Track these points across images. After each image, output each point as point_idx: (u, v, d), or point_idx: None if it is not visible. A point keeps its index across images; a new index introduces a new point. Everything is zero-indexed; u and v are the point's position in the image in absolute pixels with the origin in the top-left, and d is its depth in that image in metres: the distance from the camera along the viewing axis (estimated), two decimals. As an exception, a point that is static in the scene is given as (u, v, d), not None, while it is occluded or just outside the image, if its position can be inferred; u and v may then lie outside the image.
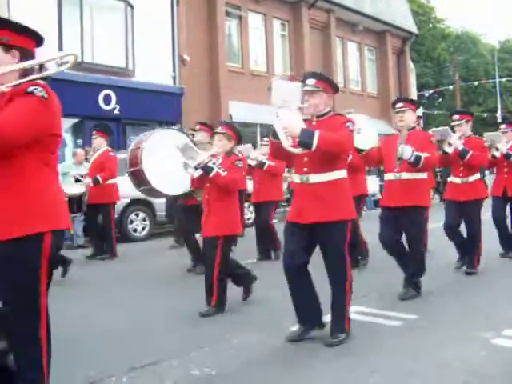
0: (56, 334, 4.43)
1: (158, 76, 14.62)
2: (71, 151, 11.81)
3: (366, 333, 4.12)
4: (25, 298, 2.48)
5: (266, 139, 7.86)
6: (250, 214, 11.45)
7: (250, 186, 8.53)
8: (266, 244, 7.73)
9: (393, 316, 4.49)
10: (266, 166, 7.54)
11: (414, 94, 27.35)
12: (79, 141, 12.70)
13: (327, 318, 4.03)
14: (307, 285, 3.95)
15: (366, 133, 4.87)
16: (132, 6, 14.31)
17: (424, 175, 5.10)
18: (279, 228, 7.49)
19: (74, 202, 7.81)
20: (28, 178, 2.47)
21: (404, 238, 5.20)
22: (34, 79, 2.56)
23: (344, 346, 3.82)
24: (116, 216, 10.24)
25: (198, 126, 6.93)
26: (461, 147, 5.84)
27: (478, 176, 6.14)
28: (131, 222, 10.41)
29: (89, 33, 13.40)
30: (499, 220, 6.93)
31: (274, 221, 8.04)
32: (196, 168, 4.77)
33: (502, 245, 6.98)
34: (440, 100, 41.27)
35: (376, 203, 14.59)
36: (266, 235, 7.70)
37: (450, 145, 5.79)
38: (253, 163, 7.67)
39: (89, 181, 8.01)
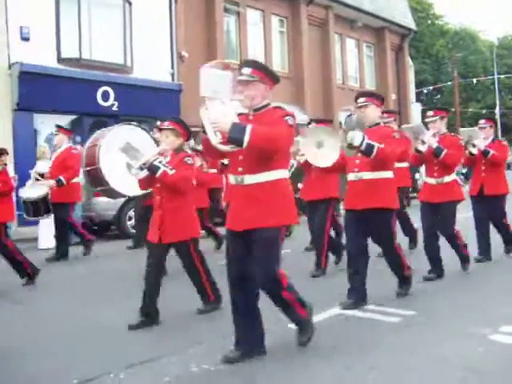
0: (54, 331, 4.45)
1: (157, 73, 14.59)
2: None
3: (365, 329, 4.13)
4: None
5: None
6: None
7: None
8: None
9: (391, 312, 4.50)
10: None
11: (412, 91, 27.37)
12: (77, 138, 12.67)
13: (317, 317, 4.03)
14: (249, 301, 3.58)
15: (328, 149, 4.64)
16: (130, 3, 14.28)
17: (388, 174, 4.74)
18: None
19: (42, 205, 7.57)
20: None
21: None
22: None
23: (342, 342, 3.83)
24: (114, 213, 10.28)
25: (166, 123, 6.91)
26: (435, 145, 5.53)
27: (453, 176, 5.79)
28: (129, 218, 10.41)
29: (87, 29, 13.36)
30: (480, 221, 6.62)
31: None
32: (142, 168, 4.45)
33: (479, 248, 6.61)
34: (438, 97, 41.28)
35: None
36: None
37: (423, 142, 5.52)
38: (226, 162, 7.39)
39: (51, 182, 7.72)
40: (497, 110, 35.09)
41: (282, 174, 3.53)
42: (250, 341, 3.58)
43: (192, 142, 7.71)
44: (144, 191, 5.02)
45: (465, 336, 3.86)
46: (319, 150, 4.74)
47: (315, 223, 6.37)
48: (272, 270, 3.46)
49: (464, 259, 5.96)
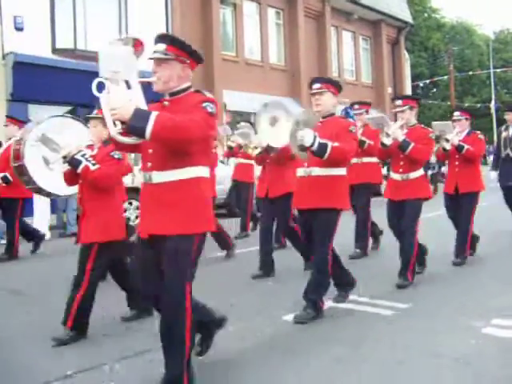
0: (49, 322, 4.44)
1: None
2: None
3: (358, 321, 4.15)
4: None
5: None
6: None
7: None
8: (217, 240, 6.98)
9: (383, 305, 4.52)
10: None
11: (408, 85, 27.34)
12: (72, 129, 12.63)
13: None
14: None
15: (281, 127, 4.26)
16: (126, -7, 14.20)
17: (340, 171, 4.32)
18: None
19: None
20: None
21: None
22: None
23: (334, 334, 3.85)
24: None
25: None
26: (401, 138, 5.06)
27: (421, 172, 5.31)
28: (124, 210, 10.38)
29: (82, 19, 13.26)
30: (454, 220, 6.23)
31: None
32: (64, 162, 4.03)
33: (456, 248, 6.12)
34: (434, 90, 41.27)
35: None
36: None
37: (388, 135, 5.08)
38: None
39: None
40: (492, 104, 35.12)
41: (199, 172, 2.97)
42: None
43: None
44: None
45: (457, 329, 3.89)
46: (272, 127, 4.35)
47: (277, 221, 6.11)
48: (175, 293, 2.88)
49: (407, 265, 5.17)
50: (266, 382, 3.14)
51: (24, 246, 7.60)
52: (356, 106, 7.35)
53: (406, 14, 25.85)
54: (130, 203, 10.54)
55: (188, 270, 2.93)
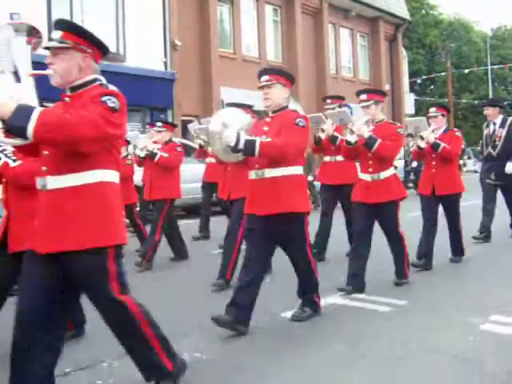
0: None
1: (150, 61, 14.50)
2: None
3: (356, 318, 4.16)
4: None
5: (159, 124, 6.85)
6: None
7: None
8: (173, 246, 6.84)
9: (382, 301, 4.53)
10: (157, 158, 6.37)
11: (406, 81, 27.37)
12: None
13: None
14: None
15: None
16: (123, -10, 14.16)
17: (295, 170, 3.89)
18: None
19: None
20: None
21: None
22: None
23: (333, 330, 3.85)
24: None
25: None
26: (367, 135, 4.71)
27: (392, 171, 4.96)
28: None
29: (79, 17, 13.20)
30: (429, 221, 5.80)
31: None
32: None
33: (419, 252, 5.79)
34: (432, 87, 41.27)
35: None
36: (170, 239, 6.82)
37: (352, 132, 4.75)
38: (142, 154, 6.54)
39: None
40: (504, 104, 35.11)
41: (104, 176, 2.60)
42: None
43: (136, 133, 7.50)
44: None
45: (455, 325, 3.89)
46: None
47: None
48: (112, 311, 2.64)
49: (402, 267, 5.08)
50: (264, 378, 3.14)
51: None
52: (328, 101, 6.68)
53: (403, 11, 25.87)
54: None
55: (108, 287, 2.60)
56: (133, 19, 14.14)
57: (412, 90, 32.76)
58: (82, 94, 2.66)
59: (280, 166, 3.80)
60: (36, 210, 2.71)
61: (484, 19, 75.84)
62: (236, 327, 3.76)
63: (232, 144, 3.64)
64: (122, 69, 13.74)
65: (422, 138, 5.51)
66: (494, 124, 7.38)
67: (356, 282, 4.80)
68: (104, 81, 2.75)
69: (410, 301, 4.54)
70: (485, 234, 7.22)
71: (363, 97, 4.97)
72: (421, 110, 36.44)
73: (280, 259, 4.70)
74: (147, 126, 9.78)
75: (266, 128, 3.94)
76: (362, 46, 24.36)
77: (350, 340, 3.65)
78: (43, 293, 2.57)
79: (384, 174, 4.87)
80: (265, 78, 3.95)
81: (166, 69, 15.30)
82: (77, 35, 2.68)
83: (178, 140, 7.33)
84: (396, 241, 5.05)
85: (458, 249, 6.06)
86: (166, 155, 6.39)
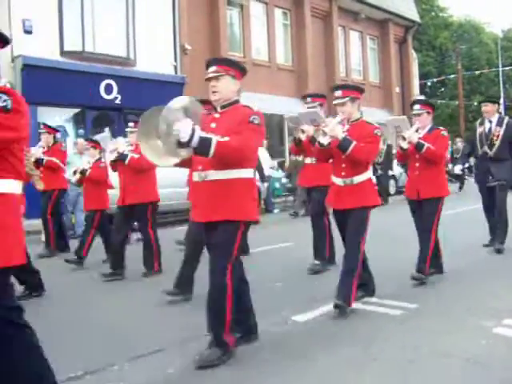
0: (58, 323, 4.47)
1: (160, 65, 14.58)
2: (72, 141, 11.83)
3: (368, 321, 4.14)
4: None
5: (131, 125, 6.45)
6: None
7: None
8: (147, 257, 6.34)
9: (394, 305, 4.51)
10: (127, 160, 6.09)
11: (416, 84, 27.28)
12: (81, 131, 12.69)
13: (320, 309, 4.01)
14: None
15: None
16: (133, -5, 14.26)
17: (244, 173, 3.42)
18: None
19: None
20: None
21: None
22: None
23: (344, 334, 3.84)
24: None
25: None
26: (341, 136, 4.35)
27: (367, 176, 4.52)
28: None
29: (90, 22, 13.34)
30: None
31: None
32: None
33: (420, 263, 5.23)
34: (442, 89, 41.09)
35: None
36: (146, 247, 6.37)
37: (325, 133, 4.39)
38: (112, 157, 6.20)
39: None
40: (501, 103, 34.92)
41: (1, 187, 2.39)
42: None
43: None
44: None
45: (468, 329, 3.87)
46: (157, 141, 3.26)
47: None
48: None
49: (344, 287, 4.31)
50: (275, 382, 3.13)
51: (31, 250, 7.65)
52: (308, 99, 6.16)
53: (413, 13, 25.79)
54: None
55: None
56: (143, 24, 14.23)
57: (422, 92, 32.62)
58: None
59: (227, 168, 3.36)
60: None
61: (495, 21, 75.23)
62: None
63: (185, 140, 3.12)
64: (132, 73, 13.84)
65: (403, 138, 5.13)
66: (490, 122, 6.86)
67: (366, 290, 4.73)
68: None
69: (422, 304, 4.51)
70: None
71: (338, 93, 4.56)
72: (431, 112, 36.29)
73: (290, 264, 4.77)
74: None
75: (213, 125, 3.47)
76: (372, 48, 24.31)
77: (362, 343, 3.63)
78: None
79: (358, 179, 4.47)
80: (212, 68, 3.54)
81: (176, 73, 15.37)
82: None
83: None
84: (352, 254, 4.38)
85: (423, 264, 5.20)
86: (137, 156, 5.92)
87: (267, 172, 12.36)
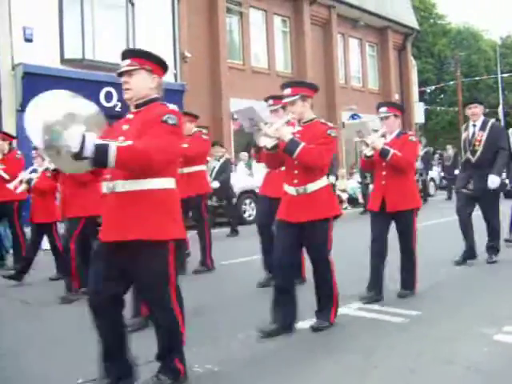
0: (59, 330, 4.45)
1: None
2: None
3: (369, 329, 4.13)
4: None
5: None
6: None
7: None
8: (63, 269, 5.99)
9: (395, 312, 4.50)
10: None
11: (415, 91, 27.35)
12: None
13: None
14: None
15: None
16: (133, 3, 14.31)
17: (162, 183, 2.92)
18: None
19: None
20: None
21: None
22: None
23: (346, 341, 3.83)
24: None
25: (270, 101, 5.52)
26: (287, 138, 3.82)
27: (323, 183, 4.00)
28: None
29: (90, 30, 13.39)
30: (377, 244, 4.86)
31: None
32: None
33: (369, 283, 4.93)
34: (441, 96, 41.21)
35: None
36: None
37: (270, 136, 3.85)
38: (51, 166, 5.61)
39: None
40: (500, 109, 34.98)
41: None
42: None
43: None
44: None
45: (469, 336, 3.86)
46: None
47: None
48: None
49: (330, 300, 4.11)
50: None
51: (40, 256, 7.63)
52: (270, 102, 5.61)
53: (412, 21, 25.89)
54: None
55: None
56: (143, 32, 14.27)
57: (421, 99, 32.72)
58: None
59: (140, 178, 2.87)
60: None
61: (493, 28, 75.61)
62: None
63: (74, 150, 2.60)
64: (132, 81, 13.89)
65: (366, 144, 4.69)
66: (474, 126, 6.31)
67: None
68: None
69: (424, 312, 4.50)
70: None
71: (287, 91, 4.06)
72: (431, 119, 36.43)
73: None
74: None
75: (125, 127, 3.05)
76: (371, 55, 24.38)
77: (364, 351, 3.62)
78: None
79: (312, 187, 3.96)
80: (125, 62, 3.07)
81: (175, 80, 15.40)
82: None
83: None
84: (323, 268, 4.07)
85: (408, 279, 5.00)
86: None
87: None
